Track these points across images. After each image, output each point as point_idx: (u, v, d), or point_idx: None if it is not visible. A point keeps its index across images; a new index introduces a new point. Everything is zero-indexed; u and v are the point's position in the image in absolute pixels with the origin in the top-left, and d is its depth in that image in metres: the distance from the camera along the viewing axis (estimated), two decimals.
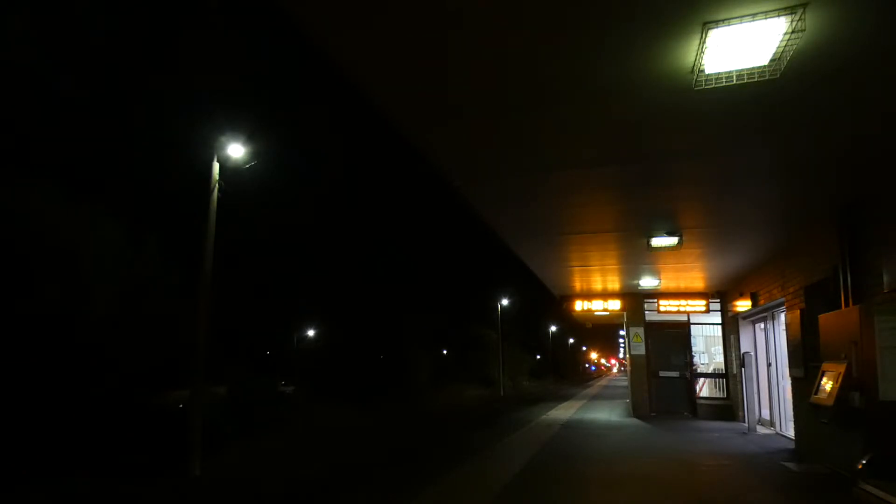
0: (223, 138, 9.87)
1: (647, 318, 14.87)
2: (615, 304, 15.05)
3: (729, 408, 13.47)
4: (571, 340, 77.00)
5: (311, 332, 36.63)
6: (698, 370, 14.71)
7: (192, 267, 10.13)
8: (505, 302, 37.91)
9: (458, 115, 4.74)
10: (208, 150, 9.91)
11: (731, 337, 13.48)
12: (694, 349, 14.81)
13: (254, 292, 29.79)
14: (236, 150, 9.94)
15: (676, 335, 14.81)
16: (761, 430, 11.05)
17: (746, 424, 11.07)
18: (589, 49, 3.63)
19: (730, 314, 13.42)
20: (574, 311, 15.72)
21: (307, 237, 58.95)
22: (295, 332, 35.44)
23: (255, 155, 10.18)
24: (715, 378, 14.42)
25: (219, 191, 9.83)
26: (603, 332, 60.91)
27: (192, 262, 10.23)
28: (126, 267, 13.01)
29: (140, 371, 12.98)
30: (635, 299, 14.87)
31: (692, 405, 14.21)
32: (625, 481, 6.87)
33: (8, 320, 9.94)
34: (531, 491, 6.50)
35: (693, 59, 3.64)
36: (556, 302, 16.77)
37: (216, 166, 9.90)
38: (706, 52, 3.48)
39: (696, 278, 12.52)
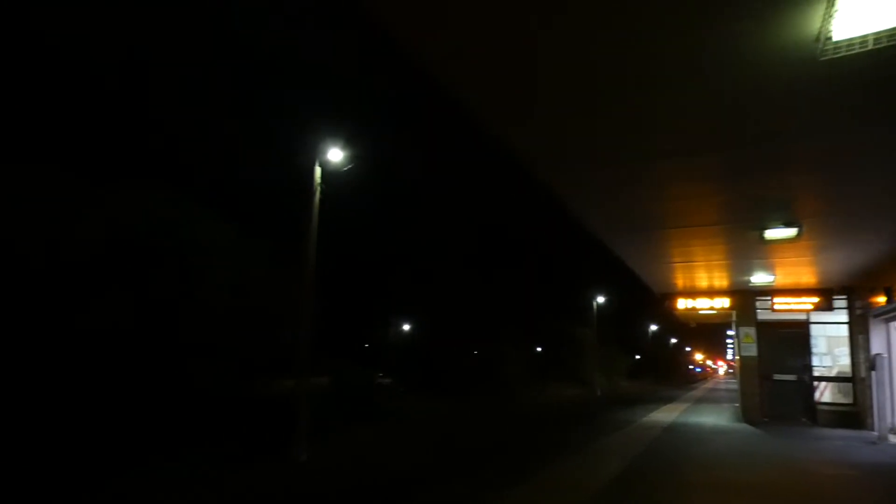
0: (324, 144, 10.44)
1: (760, 316, 13.97)
2: (723, 302, 14.26)
3: (855, 414, 12.38)
4: (674, 340, 73.38)
5: (406, 327, 37.70)
6: (817, 373, 13.53)
7: (298, 265, 10.71)
8: (601, 299, 36.85)
9: (548, 105, 4.65)
10: (310, 154, 10.51)
11: (860, 337, 12.42)
12: (814, 350, 13.62)
13: (354, 287, 31.06)
14: (335, 155, 10.51)
15: (793, 335, 13.76)
16: (894, 439, 10.16)
17: (876, 433, 10.25)
18: (698, 23, 3.41)
19: (858, 312, 12.36)
20: (676, 309, 15.12)
21: (404, 234, 60.77)
22: (392, 325, 36.60)
23: (352, 158, 10.67)
24: (838, 382, 13.21)
25: (320, 192, 10.39)
26: (709, 332, 57.37)
27: (297, 260, 10.82)
28: (240, 266, 13.97)
29: (254, 363, 13.92)
30: (746, 297, 13.95)
31: (811, 411, 13.19)
32: (732, 489, 6.48)
33: (131, 316, 10.94)
34: (631, 494, 6.26)
35: (818, 25, 3.30)
36: (656, 300, 16.15)
37: (318, 170, 10.47)
38: (835, 15, 3.13)
39: (816, 273, 11.56)
